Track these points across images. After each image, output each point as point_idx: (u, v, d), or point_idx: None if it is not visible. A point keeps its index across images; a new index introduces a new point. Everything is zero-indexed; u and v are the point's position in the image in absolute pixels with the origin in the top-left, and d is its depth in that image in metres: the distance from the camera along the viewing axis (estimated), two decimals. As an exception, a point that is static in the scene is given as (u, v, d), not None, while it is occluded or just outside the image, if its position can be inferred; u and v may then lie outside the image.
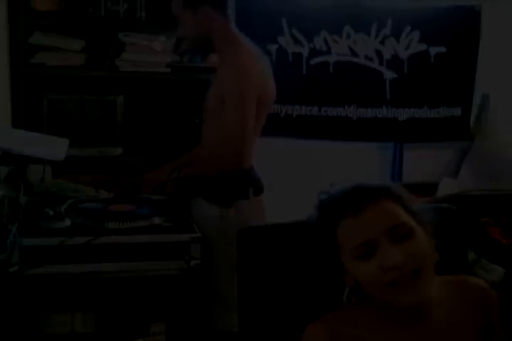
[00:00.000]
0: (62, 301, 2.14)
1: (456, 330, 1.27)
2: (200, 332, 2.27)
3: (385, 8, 3.27)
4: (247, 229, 1.49)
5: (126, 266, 2.14)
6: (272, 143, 3.14)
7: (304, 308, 1.42)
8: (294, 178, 3.30)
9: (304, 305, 1.43)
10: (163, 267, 2.18)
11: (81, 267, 2.11)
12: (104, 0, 2.84)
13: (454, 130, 3.46)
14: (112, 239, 2.13)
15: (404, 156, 3.47)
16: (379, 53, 3.28)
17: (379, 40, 3.27)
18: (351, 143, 3.38)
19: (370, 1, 3.26)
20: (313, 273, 1.43)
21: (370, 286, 1.22)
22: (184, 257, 2.16)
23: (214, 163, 2.39)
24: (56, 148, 2.26)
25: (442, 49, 3.33)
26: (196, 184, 2.48)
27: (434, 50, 3.32)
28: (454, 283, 1.32)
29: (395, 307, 1.22)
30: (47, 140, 2.30)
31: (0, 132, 2.32)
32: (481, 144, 3.48)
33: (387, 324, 1.25)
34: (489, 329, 1.30)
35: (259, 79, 2.34)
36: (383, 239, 1.19)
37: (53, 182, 2.59)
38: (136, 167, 2.76)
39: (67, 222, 2.20)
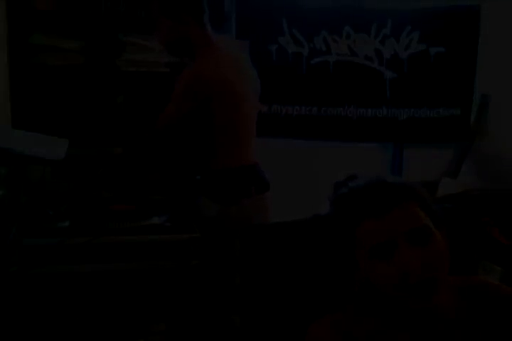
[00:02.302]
0: (63, 301, 2.14)
1: (463, 332, 1.25)
2: (200, 332, 2.27)
3: (385, 8, 3.26)
4: (248, 227, 1.49)
5: (126, 266, 2.14)
6: (272, 143, 3.14)
7: (305, 307, 1.41)
8: (294, 178, 3.29)
9: (306, 304, 1.42)
10: (163, 267, 2.18)
11: (81, 267, 2.11)
12: (104, 0, 2.84)
13: (454, 130, 3.46)
14: (112, 239, 2.13)
15: (404, 156, 3.47)
16: (379, 53, 3.28)
17: (379, 40, 3.27)
18: (351, 143, 3.38)
19: (370, 1, 3.26)
20: (314, 271, 1.43)
21: (383, 287, 1.20)
22: (184, 257, 2.16)
23: None
24: (56, 148, 2.26)
25: (442, 49, 3.33)
26: (199, 182, 2.49)
27: (433, 50, 3.32)
28: (461, 284, 1.31)
29: (404, 309, 1.21)
30: (47, 140, 2.30)
31: (0, 132, 2.32)
32: (481, 144, 3.48)
33: (393, 324, 1.24)
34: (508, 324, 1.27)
35: (216, 80, 2.37)
36: (403, 241, 1.17)
37: (53, 182, 2.59)
38: (136, 167, 2.75)
39: (67, 222, 2.20)
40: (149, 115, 3.10)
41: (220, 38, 2.55)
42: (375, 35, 3.25)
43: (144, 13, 2.89)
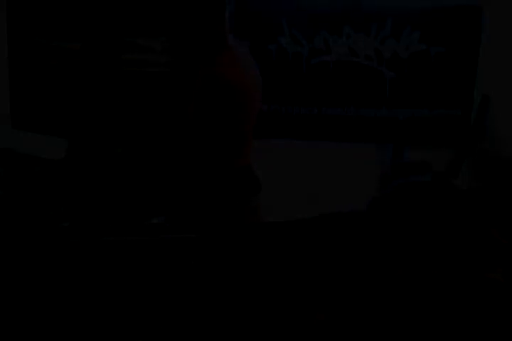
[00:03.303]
0: (62, 301, 2.14)
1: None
2: (201, 331, 2.27)
3: (385, 8, 3.27)
4: (244, 228, 1.50)
5: (126, 266, 2.15)
6: (272, 143, 3.14)
7: (306, 306, 1.41)
8: (294, 178, 3.29)
9: (306, 303, 1.42)
10: (163, 267, 2.18)
11: (80, 267, 2.11)
12: (105, 0, 2.85)
13: (454, 130, 3.46)
14: (112, 239, 2.13)
15: (404, 156, 3.47)
16: (379, 53, 3.28)
17: (379, 40, 3.27)
18: (351, 143, 3.38)
19: (370, 1, 3.26)
20: (316, 272, 1.43)
21: None
22: (184, 256, 2.17)
23: None
24: (56, 148, 2.26)
25: (442, 49, 3.33)
26: (193, 184, 2.49)
27: (434, 50, 3.32)
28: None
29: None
30: (47, 140, 2.31)
31: (0, 132, 2.33)
32: (481, 144, 3.48)
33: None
34: None
35: (235, 82, 2.37)
36: None
37: (53, 182, 2.59)
38: (136, 166, 2.76)
39: (67, 222, 2.20)
40: (150, 115, 3.11)
41: (232, 37, 2.53)
42: (374, 35, 3.26)
43: (144, 14, 2.89)
